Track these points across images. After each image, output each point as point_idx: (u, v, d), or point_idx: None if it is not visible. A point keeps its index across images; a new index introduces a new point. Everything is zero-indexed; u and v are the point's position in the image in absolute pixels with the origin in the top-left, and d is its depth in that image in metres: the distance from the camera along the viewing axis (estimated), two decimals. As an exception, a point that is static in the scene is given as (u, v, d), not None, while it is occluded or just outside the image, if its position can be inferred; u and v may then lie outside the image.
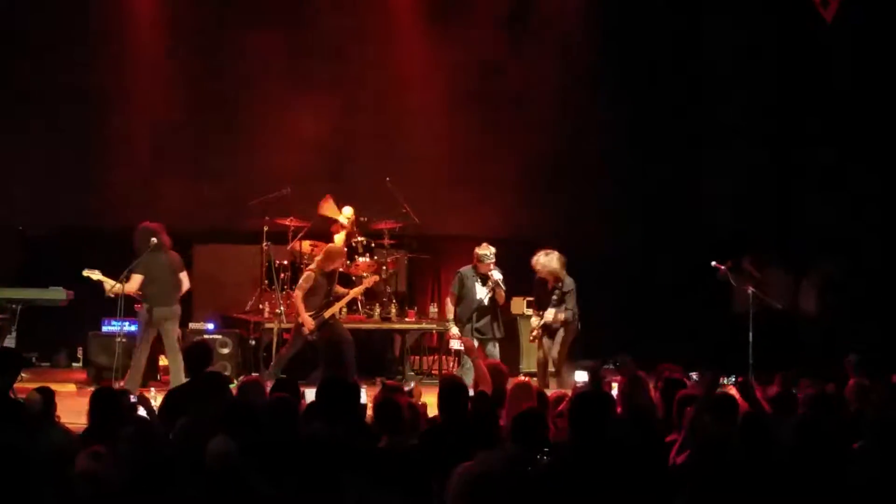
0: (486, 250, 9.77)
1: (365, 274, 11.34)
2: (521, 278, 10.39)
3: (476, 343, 9.59)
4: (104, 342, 10.51)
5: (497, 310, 9.90)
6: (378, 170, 12.17)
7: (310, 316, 10.10)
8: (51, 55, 11.93)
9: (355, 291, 10.88)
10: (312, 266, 10.34)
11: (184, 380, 8.15)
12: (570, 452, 4.95)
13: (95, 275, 9.32)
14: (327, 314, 10.25)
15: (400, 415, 5.51)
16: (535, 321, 9.97)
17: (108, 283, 9.26)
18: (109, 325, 10.61)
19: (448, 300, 10.09)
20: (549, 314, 9.79)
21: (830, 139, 11.99)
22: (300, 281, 10.25)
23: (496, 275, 9.73)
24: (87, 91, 12.10)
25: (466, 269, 9.92)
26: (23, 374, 9.32)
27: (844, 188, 11.71)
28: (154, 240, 9.30)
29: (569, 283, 9.87)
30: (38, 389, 5.88)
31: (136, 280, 9.26)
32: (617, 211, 13.02)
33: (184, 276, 9.54)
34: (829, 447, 5.07)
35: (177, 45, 12.37)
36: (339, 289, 10.58)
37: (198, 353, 6.70)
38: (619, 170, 13.03)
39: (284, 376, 9.58)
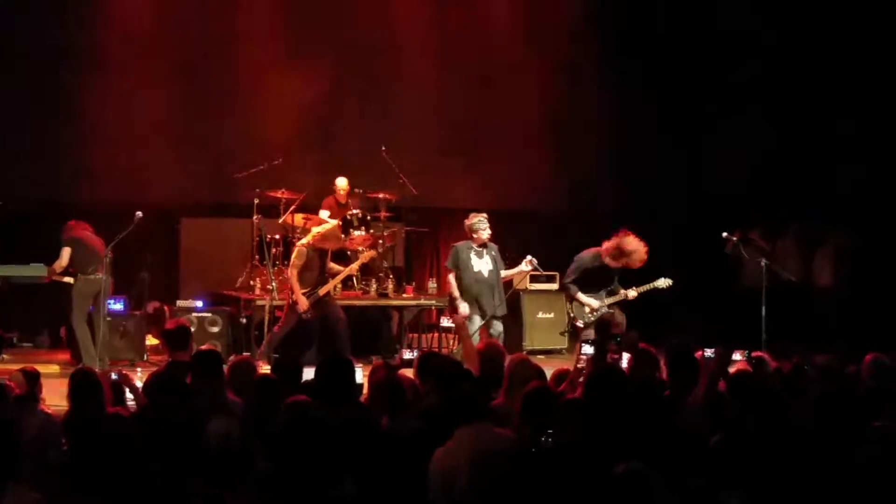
0: (477, 219, 9.30)
1: (361, 249, 10.95)
2: (524, 252, 9.93)
3: (478, 321, 9.14)
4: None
5: (497, 284, 9.31)
6: (373, 137, 11.78)
7: (304, 293, 9.82)
8: (22, 16, 11.40)
9: (350, 268, 10.53)
10: (304, 241, 10.03)
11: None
12: (581, 430, 4.72)
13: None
14: (322, 291, 9.96)
15: (403, 395, 5.34)
16: (594, 302, 9.36)
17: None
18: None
19: (450, 278, 9.37)
20: (606, 300, 9.30)
21: (848, 103, 11.61)
22: (292, 258, 9.97)
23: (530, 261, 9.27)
24: (65, 56, 11.59)
25: (461, 244, 9.41)
26: (4, 356, 9.09)
27: (863, 154, 11.33)
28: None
29: None
30: (23, 370, 5.83)
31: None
32: (623, 178, 12.63)
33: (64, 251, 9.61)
34: (846, 424, 4.92)
35: (160, 8, 11.87)
36: (334, 266, 10.28)
37: (177, 334, 6.80)
38: (626, 135, 12.67)
39: (277, 356, 9.29)
